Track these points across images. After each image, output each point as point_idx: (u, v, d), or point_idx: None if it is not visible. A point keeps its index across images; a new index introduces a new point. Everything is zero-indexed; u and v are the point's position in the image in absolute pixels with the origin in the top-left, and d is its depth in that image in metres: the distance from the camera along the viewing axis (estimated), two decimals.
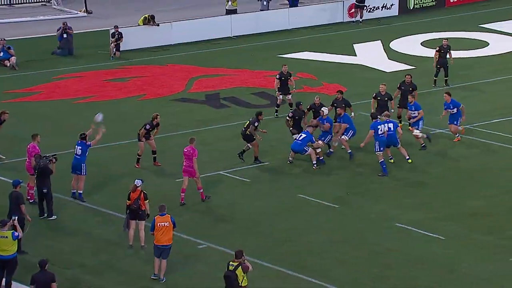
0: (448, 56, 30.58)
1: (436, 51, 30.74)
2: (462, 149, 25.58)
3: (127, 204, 19.86)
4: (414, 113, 24.63)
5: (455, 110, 25.15)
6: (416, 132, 24.59)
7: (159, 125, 24.27)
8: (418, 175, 23.85)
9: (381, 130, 23.63)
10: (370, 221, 21.28)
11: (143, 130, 24.00)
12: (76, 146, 22.25)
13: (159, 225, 18.51)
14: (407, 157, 24.18)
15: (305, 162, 24.51)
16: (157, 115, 24.23)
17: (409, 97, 25.00)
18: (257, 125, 24.20)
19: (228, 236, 20.62)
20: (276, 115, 27.34)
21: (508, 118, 27.92)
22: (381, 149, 23.63)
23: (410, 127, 25.51)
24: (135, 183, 19.88)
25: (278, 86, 27.65)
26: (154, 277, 18.69)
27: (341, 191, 22.98)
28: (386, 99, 25.25)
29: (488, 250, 19.81)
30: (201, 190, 22.17)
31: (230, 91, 31.20)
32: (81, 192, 22.26)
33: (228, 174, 23.80)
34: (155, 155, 24.46)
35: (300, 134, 24.26)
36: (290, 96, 27.73)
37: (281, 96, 27.68)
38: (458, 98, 30.22)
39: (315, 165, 24.02)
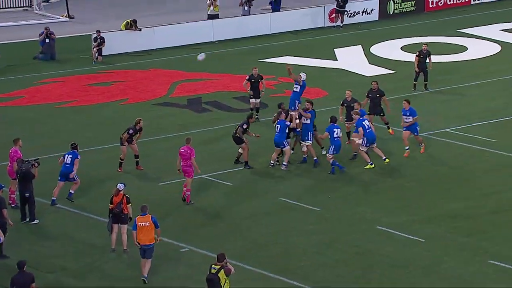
0: (427, 60, 30.74)
1: (416, 56, 30.90)
2: (442, 153, 25.70)
3: (110, 208, 19.81)
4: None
5: (410, 118, 24.67)
6: (358, 140, 24.33)
7: (142, 130, 24.24)
8: (398, 178, 23.94)
9: (336, 134, 23.86)
10: (352, 224, 21.33)
11: (126, 135, 23.94)
12: (67, 155, 22.21)
13: (140, 224, 18.61)
14: (384, 157, 24.27)
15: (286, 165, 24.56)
16: (140, 119, 24.20)
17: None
18: (246, 127, 24.21)
19: (210, 239, 20.60)
20: (257, 118, 27.33)
21: (487, 121, 28.10)
22: (334, 152, 23.84)
23: (349, 140, 25.08)
24: (118, 187, 19.84)
25: (249, 88, 27.62)
26: (142, 278, 18.70)
27: (322, 194, 23.02)
28: (352, 105, 25.28)
29: (468, 252, 19.91)
30: (189, 193, 22.20)
31: (212, 96, 31.19)
32: (73, 192, 22.20)
33: (210, 178, 23.78)
34: (138, 159, 24.40)
35: (276, 126, 24.33)
36: (258, 100, 27.60)
37: (253, 99, 27.62)
38: (438, 102, 30.47)
39: (284, 165, 24.09)
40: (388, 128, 26.38)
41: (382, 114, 26.33)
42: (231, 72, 33.96)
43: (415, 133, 24.87)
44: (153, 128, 27.53)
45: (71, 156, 22.16)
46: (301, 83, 25.22)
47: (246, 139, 24.26)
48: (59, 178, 22.14)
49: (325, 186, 23.47)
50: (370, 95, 26.30)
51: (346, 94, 25.79)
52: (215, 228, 21.24)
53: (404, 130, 24.97)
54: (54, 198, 22.15)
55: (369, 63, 34.90)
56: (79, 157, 22.29)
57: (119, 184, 19.91)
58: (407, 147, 24.90)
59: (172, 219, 21.52)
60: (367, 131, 24.10)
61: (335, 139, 23.90)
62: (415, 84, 31.07)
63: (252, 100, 27.65)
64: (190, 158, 22.04)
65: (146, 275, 18.69)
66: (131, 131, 23.92)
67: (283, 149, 24.13)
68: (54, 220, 21.66)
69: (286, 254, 19.94)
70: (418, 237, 20.53)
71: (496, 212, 21.81)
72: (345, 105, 25.60)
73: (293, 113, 24.66)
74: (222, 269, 16.71)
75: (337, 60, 35.64)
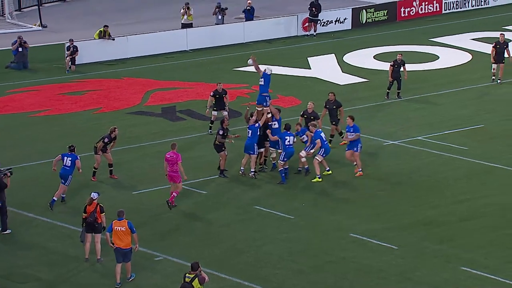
0: (402, 69, 30.92)
1: (391, 65, 31.09)
2: (414, 161, 25.87)
3: (83, 217, 19.70)
4: (351, 134, 24.55)
5: (353, 135, 24.32)
6: (303, 153, 24.35)
7: (116, 138, 24.14)
8: (371, 186, 24.05)
9: (288, 141, 23.93)
10: (325, 232, 21.38)
11: (101, 143, 23.84)
12: (65, 158, 22.28)
13: (116, 229, 18.71)
14: (327, 168, 24.32)
15: (260, 173, 24.56)
16: (115, 128, 24.13)
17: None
18: (223, 133, 24.21)
19: (185, 247, 20.54)
20: (210, 132, 27.29)
21: (458, 129, 28.33)
22: (285, 159, 23.90)
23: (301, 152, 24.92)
24: (91, 196, 19.76)
25: (213, 102, 27.50)
26: (117, 286, 18.67)
27: (296, 202, 23.06)
28: (312, 117, 25.31)
29: (440, 259, 20.04)
30: (175, 195, 22.35)
31: (186, 104, 31.16)
32: (55, 199, 22.20)
33: (185, 187, 23.72)
34: (112, 168, 24.29)
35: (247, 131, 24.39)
36: (226, 113, 27.43)
37: (215, 112, 27.51)
38: (410, 110, 30.67)
39: (252, 173, 24.14)
40: (342, 136, 26.21)
41: (334, 123, 26.17)
42: (204, 81, 33.96)
43: (355, 150, 24.27)
44: (127, 137, 27.42)
45: (70, 158, 22.23)
46: (261, 74, 25.12)
47: (231, 140, 24.31)
48: (61, 181, 22.21)
49: (299, 194, 23.52)
50: (327, 106, 26.28)
51: (308, 105, 25.78)
52: (190, 236, 21.19)
53: (347, 150, 24.47)
54: (55, 199, 22.25)
55: (343, 72, 35.08)
56: (79, 157, 22.32)
57: (92, 193, 19.82)
58: (354, 163, 24.41)
59: (146, 227, 21.43)
60: (325, 143, 24.19)
61: (287, 146, 23.93)
62: (388, 92, 31.27)
63: (214, 113, 27.49)
64: (177, 163, 22.19)
65: (121, 282, 18.67)
66: (106, 140, 23.83)
67: (251, 155, 24.14)
68: (26, 230, 21.48)
69: (261, 262, 19.94)
70: (391, 244, 20.63)
71: (468, 220, 21.99)
72: (305, 116, 25.59)
73: (265, 108, 24.60)
74: (196, 278, 16.68)
75: (310, 68, 35.78)
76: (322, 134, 24.32)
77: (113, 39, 36.64)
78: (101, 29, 36.98)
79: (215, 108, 27.42)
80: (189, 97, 32.04)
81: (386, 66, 35.74)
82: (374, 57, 37.02)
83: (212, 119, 27.59)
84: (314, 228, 21.57)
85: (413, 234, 21.19)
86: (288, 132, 24.19)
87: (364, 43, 38.99)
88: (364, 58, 36.90)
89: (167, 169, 22.33)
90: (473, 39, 39.27)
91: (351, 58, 36.83)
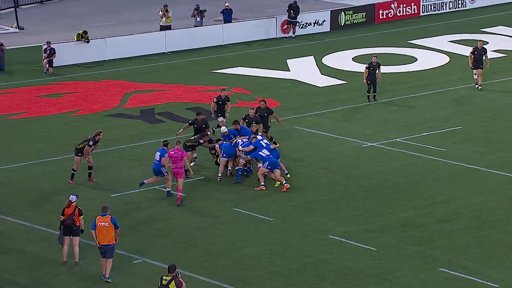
0: (377, 72, 31.06)
1: (366, 68, 31.23)
2: (393, 162, 26.00)
3: (61, 219, 19.61)
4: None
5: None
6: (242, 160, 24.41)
7: (99, 142, 24.09)
8: (350, 188, 24.13)
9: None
10: (304, 234, 21.43)
11: (87, 147, 23.75)
12: (156, 153, 23.02)
13: (99, 225, 18.81)
14: (286, 172, 24.30)
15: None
16: (100, 132, 24.16)
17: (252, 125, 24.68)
18: (203, 143, 24.63)
19: (164, 250, 20.50)
20: (214, 133, 27.27)
21: (435, 131, 28.50)
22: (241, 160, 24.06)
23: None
24: (70, 198, 19.68)
25: (215, 109, 27.47)
26: (103, 277, 18.80)
27: (275, 204, 23.09)
28: (253, 122, 25.21)
29: (418, 261, 20.15)
30: (180, 194, 22.78)
31: (165, 106, 31.10)
32: (146, 182, 23.10)
33: (163, 189, 23.67)
34: (91, 171, 24.19)
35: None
36: (223, 119, 27.34)
37: (220, 118, 27.48)
38: (388, 112, 30.81)
39: (219, 177, 24.22)
40: (274, 143, 26.05)
41: (264, 130, 26.05)
42: (183, 83, 33.91)
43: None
44: (106, 140, 27.30)
45: (159, 153, 23.00)
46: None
47: (193, 151, 24.62)
48: (154, 174, 23.12)
49: (278, 196, 23.54)
50: (258, 113, 26.13)
51: (249, 112, 25.73)
52: (169, 239, 21.15)
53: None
54: (169, 189, 23.09)
55: (321, 74, 35.17)
56: (166, 155, 22.87)
57: (71, 196, 19.75)
58: (263, 183, 23.73)
59: (125, 230, 21.33)
60: (268, 156, 23.87)
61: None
62: (368, 96, 31.34)
63: (220, 119, 27.36)
64: (182, 159, 22.80)
65: (107, 275, 18.81)
66: (91, 143, 23.78)
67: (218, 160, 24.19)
68: (2, 233, 21.32)
69: (240, 264, 19.94)
70: (370, 246, 20.71)
71: (446, 221, 22.12)
72: (247, 120, 25.65)
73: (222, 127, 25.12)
74: (173, 280, 16.65)
75: (289, 70, 35.84)
76: (264, 142, 23.99)
77: (88, 42, 36.39)
78: (79, 31, 36.81)
79: (219, 114, 27.25)
80: (168, 99, 31.98)
81: (364, 68, 36.00)
82: (352, 59, 37.15)
83: (219, 124, 27.33)
84: (293, 230, 21.61)
85: (391, 236, 21.28)
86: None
87: (343, 45, 39.12)
88: (343, 60, 37.02)
89: (171, 165, 22.84)
90: (450, 41, 39.54)
91: (330, 60, 36.94)
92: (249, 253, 20.41)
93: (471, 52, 32.53)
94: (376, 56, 31.36)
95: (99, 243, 18.80)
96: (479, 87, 32.50)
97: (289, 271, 19.63)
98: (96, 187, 23.92)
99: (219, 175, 24.29)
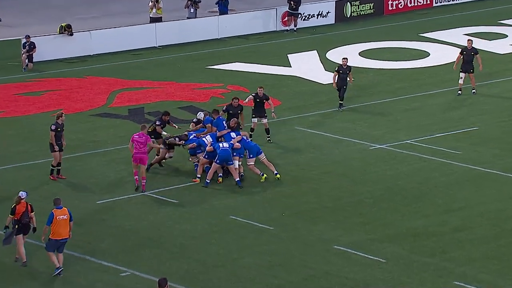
0: (348, 76, 29.79)
1: (336, 71, 29.99)
2: (403, 166, 26.09)
3: (14, 218, 19.84)
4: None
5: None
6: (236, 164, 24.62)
7: (63, 126, 24.55)
8: (356, 194, 24.22)
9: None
10: (307, 244, 21.52)
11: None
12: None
13: (59, 218, 19.26)
14: (275, 172, 24.56)
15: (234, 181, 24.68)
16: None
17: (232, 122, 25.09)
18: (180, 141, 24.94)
19: (154, 262, 20.57)
20: (269, 140, 27.20)
21: (449, 132, 28.61)
22: (217, 161, 24.33)
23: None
24: (19, 195, 20.04)
25: (253, 107, 27.20)
26: (58, 269, 19.29)
27: (276, 211, 23.18)
28: (238, 111, 25.87)
29: (431, 273, 20.23)
30: (144, 181, 23.43)
31: (155, 105, 31.20)
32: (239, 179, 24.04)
33: (154, 195, 23.77)
34: (59, 167, 24.52)
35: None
36: (265, 120, 27.18)
37: (255, 119, 27.24)
38: (398, 111, 30.87)
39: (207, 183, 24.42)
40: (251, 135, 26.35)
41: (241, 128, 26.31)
42: (175, 80, 34.02)
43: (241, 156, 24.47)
44: (91, 141, 27.41)
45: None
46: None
47: (160, 145, 25.03)
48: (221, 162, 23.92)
49: (278, 203, 23.64)
50: (230, 111, 26.14)
51: (232, 102, 26.13)
52: (159, 249, 21.23)
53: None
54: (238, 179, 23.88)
55: (325, 70, 35.28)
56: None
57: (21, 192, 20.11)
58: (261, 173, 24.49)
59: (111, 239, 21.43)
60: (253, 145, 24.54)
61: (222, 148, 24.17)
62: (341, 103, 30.45)
63: (255, 120, 27.27)
64: (145, 144, 23.39)
65: (61, 265, 19.32)
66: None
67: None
68: None
69: (237, 276, 20.02)
70: (378, 257, 20.79)
71: (461, 230, 22.21)
72: (230, 111, 25.96)
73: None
74: None
75: (291, 66, 35.96)
76: (233, 134, 24.46)
77: (71, 35, 36.49)
78: (63, 24, 36.90)
79: (254, 115, 27.10)
80: (159, 98, 32.09)
81: (373, 63, 36.13)
82: (359, 54, 37.29)
83: (252, 126, 27.19)
84: (295, 240, 21.70)
85: (401, 246, 21.37)
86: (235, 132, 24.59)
87: (349, 39, 39.26)
88: (348, 55, 37.07)
89: (133, 150, 23.33)
90: (466, 34, 39.67)
91: (334, 55, 37.05)
92: (247, 265, 20.49)
93: (459, 53, 31.65)
94: (346, 58, 30.18)
95: (55, 238, 19.20)
96: (473, 92, 31.80)
97: (291, 284, 19.71)
98: (80, 193, 24.00)
99: (207, 180, 24.22)
